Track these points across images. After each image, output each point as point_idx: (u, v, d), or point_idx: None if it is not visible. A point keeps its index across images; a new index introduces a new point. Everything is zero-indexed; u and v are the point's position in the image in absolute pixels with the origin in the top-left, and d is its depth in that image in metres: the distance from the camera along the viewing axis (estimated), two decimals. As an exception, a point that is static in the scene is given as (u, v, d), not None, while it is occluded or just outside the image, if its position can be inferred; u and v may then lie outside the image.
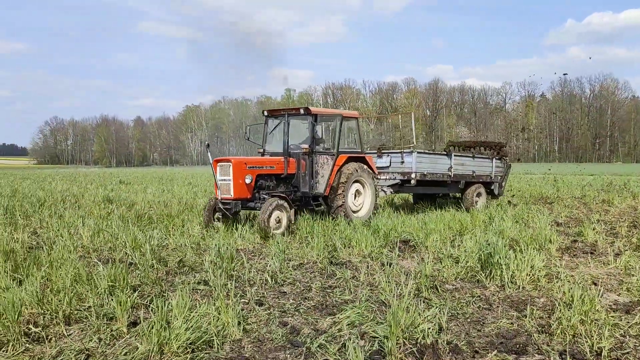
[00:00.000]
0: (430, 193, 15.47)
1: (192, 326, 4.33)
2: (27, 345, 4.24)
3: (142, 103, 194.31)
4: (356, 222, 10.48)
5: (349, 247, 8.38)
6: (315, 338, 4.47)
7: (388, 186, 13.52)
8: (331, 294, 5.92)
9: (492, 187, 15.84)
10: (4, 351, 4.09)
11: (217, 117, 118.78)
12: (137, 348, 4.10)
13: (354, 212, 11.60)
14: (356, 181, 11.55)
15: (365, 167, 11.75)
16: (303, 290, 6.10)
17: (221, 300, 4.87)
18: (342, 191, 11.07)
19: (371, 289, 6.05)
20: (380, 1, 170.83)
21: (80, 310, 5.07)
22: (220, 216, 10.40)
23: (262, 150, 11.72)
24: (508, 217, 11.75)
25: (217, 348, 4.25)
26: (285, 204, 9.94)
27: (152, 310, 4.96)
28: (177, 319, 4.39)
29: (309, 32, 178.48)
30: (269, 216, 9.52)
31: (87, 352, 4.13)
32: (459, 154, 14.80)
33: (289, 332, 4.67)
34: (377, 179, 12.80)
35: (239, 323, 4.66)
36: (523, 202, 16.75)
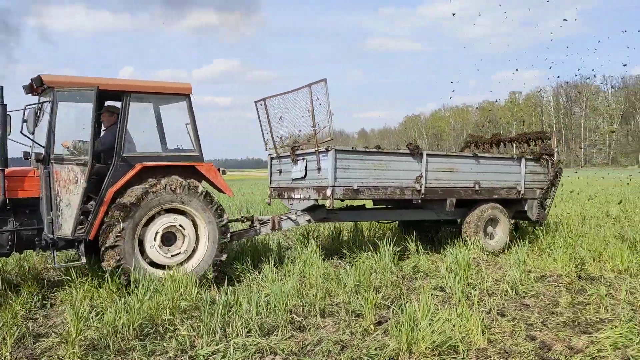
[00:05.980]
0: (392, 220, 9.60)
1: (436, 330, 4.42)
2: (292, 332, 4.85)
3: (366, 116, 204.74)
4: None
5: (599, 261, 7.53)
6: (571, 356, 4.14)
7: (303, 211, 8.09)
8: (583, 310, 5.42)
9: (526, 208, 9.29)
10: (274, 335, 4.75)
11: (437, 126, 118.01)
12: (388, 345, 4.35)
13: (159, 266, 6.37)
14: (170, 210, 6.41)
15: (195, 184, 6.50)
16: (549, 304, 5.71)
17: (463, 307, 4.86)
18: (120, 231, 6.00)
19: (633, 309, 5.34)
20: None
21: (332, 305, 5.61)
22: None
23: None
24: None
25: (463, 354, 4.24)
26: None
27: (393, 311, 5.23)
28: (422, 322, 4.52)
29: (536, 29, 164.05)
30: None
31: (342, 343, 4.54)
32: (438, 153, 8.61)
33: (539, 347, 4.42)
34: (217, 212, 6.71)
35: (483, 332, 4.58)
36: None
